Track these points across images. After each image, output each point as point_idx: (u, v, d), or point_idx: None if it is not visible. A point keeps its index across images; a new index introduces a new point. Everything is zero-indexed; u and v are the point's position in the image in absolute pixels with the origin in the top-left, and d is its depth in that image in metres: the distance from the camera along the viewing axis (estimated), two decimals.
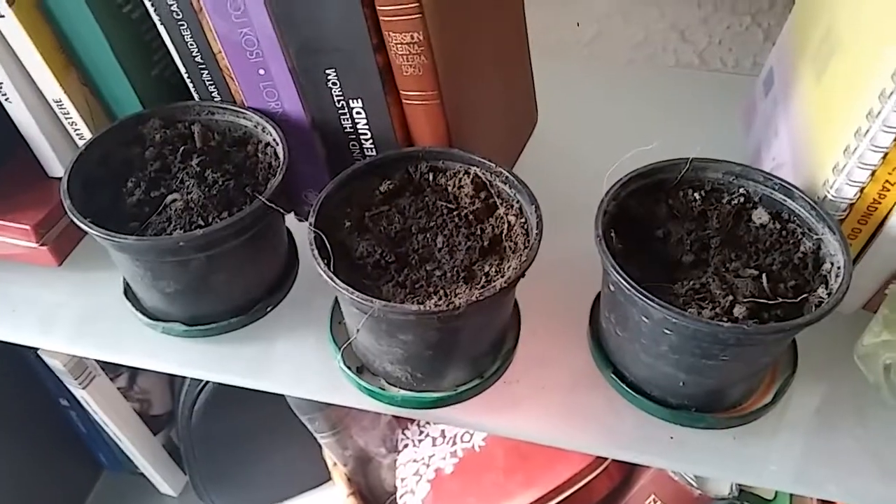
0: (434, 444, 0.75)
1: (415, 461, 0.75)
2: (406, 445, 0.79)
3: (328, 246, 0.41)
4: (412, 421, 0.80)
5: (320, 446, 0.80)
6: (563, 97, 0.69)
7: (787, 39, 0.61)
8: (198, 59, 0.49)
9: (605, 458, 0.66)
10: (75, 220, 0.43)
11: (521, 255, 0.42)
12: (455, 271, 0.42)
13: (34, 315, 0.52)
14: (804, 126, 0.50)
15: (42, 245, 0.52)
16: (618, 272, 0.39)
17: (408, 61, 0.46)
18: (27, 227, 0.51)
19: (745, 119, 0.66)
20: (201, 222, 0.45)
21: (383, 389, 0.46)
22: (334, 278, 0.39)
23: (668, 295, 0.40)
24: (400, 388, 0.46)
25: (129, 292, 0.51)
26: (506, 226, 0.44)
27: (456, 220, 0.45)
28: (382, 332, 0.42)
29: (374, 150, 0.51)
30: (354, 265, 0.42)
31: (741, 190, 0.45)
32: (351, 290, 0.38)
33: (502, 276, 0.41)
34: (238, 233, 0.44)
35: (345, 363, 0.47)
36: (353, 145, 0.52)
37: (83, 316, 0.52)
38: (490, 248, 0.43)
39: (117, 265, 0.48)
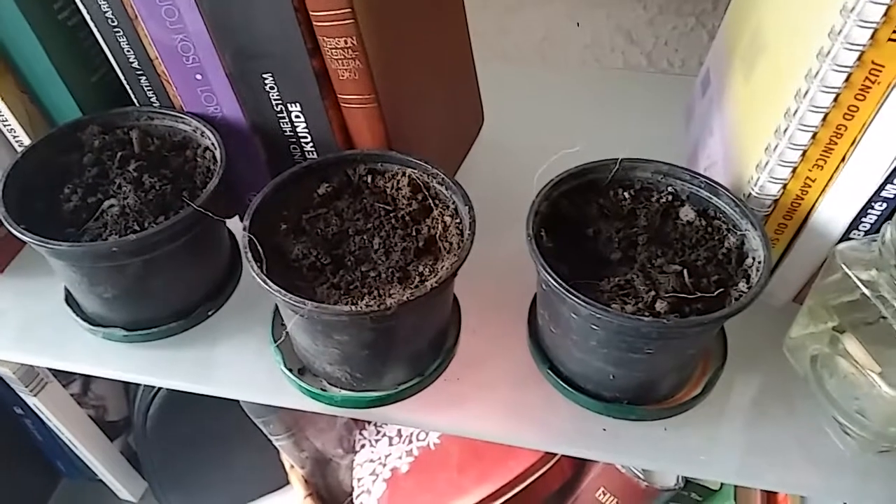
0: (391, 444, 0.76)
1: (371, 461, 0.76)
2: (363, 446, 0.79)
3: (261, 249, 0.41)
4: (369, 421, 0.80)
5: (278, 449, 0.80)
6: (511, 99, 0.70)
7: (720, 40, 0.62)
8: (135, 65, 0.50)
9: (556, 453, 0.67)
10: (9, 227, 0.42)
11: (454, 254, 0.43)
12: (390, 272, 0.43)
13: None
14: (733, 125, 0.52)
15: None
16: (547, 271, 0.40)
17: (343, 65, 0.46)
18: None
19: (686, 119, 0.68)
20: (136, 227, 0.45)
21: (324, 390, 0.46)
22: (266, 280, 0.39)
23: (595, 292, 0.41)
24: (341, 388, 0.46)
25: (69, 299, 0.51)
26: (441, 226, 0.45)
27: (393, 221, 0.46)
28: (318, 334, 0.42)
29: (314, 153, 0.52)
30: (290, 268, 0.43)
31: (669, 189, 0.47)
32: (283, 291, 0.39)
33: (435, 276, 0.42)
34: (173, 237, 0.44)
35: (285, 365, 0.47)
36: (294, 149, 0.52)
37: (25, 323, 0.52)
38: (425, 248, 0.44)
39: (56, 272, 0.48)
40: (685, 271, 0.41)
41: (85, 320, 0.50)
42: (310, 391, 0.46)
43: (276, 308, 0.50)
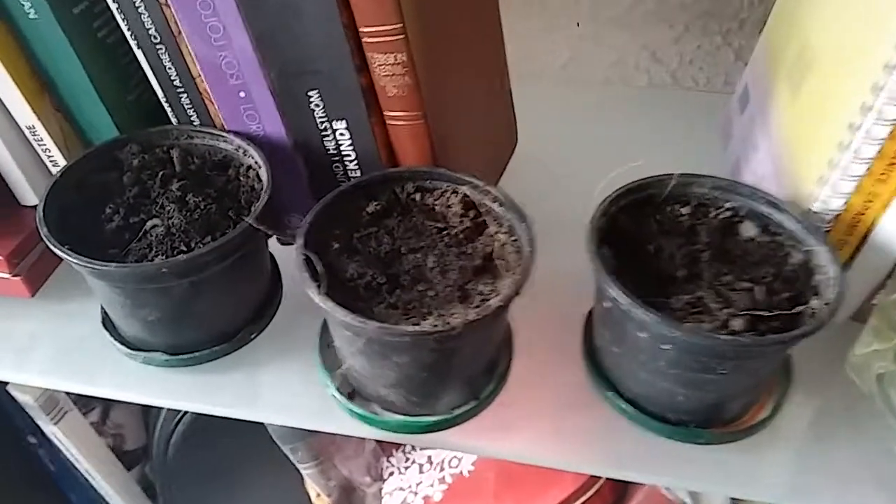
0: (421, 471, 0.74)
1: (402, 489, 0.74)
2: (391, 473, 0.77)
3: (318, 268, 0.40)
4: (397, 447, 0.78)
5: (302, 477, 0.78)
6: (540, 119, 0.69)
7: (760, 59, 0.62)
8: (176, 82, 0.48)
9: (598, 479, 0.66)
10: (53, 247, 0.41)
11: (514, 272, 0.41)
12: (448, 291, 0.41)
13: (7, 348, 0.50)
14: (782, 141, 0.51)
15: (15, 276, 0.50)
16: (616, 287, 0.38)
17: (392, 82, 0.45)
18: (0, 257, 0.49)
19: (722, 135, 0.67)
20: (183, 248, 0.43)
21: (376, 414, 0.45)
22: (327, 301, 0.38)
23: (665, 309, 0.39)
24: (394, 412, 0.44)
25: (107, 322, 0.49)
26: (496, 244, 0.44)
27: (446, 239, 0.44)
28: (376, 355, 0.41)
29: (358, 171, 0.51)
30: (345, 288, 0.41)
31: (728, 204, 0.46)
32: (345, 311, 0.37)
33: (497, 295, 0.40)
34: (222, 257, 0.43)
35: (336, 389, 0.45)
36: (337, 167, 0.51)
37: (59, 348, 0.50)
38: (482, 267, 0.43)
39: (96, 294, 0.47)
40: (757, 289, 0.39)
41: (123, 344, 0.48)
42: (362, 416, 0.44)
43: (322, 330, 0.48)
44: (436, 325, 0.37)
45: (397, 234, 0.45)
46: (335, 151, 0.50)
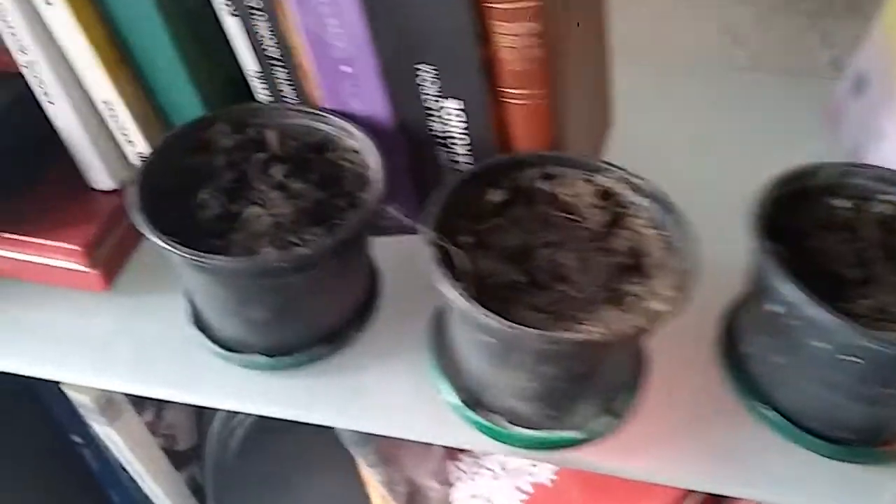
0: (495, 478, 0.69)
1: (474, 496, 0.69)
2: (459, 479, 0.73)
3: (459, 263, 0.35)
4: (464, 451, 0.74)
5: (362, 482, 0.74)
6: (625, 100, 0.64)
7: (881, 42, 0.57)
8: (271, 53, 0.44)
9: (691, 492, 0.61)
10: (155, 239, 0.36)
11: (674, 270, 0.37)
12: (594, 292, 0.37)
13: (86, 349, 0.45)
14: None
15: (92, 267, 0.46)
16: (795, 288, 0.34)
17: (518, 56, 0.41)
18: (77, 247, 0.45)
19: (829, 121, 0.62)
20: (294, 239, 0.39)
21: (503, 427, 0.40)
22: (472, 302, 0.33)
23: (847, 315, 0.35)
24: (523, 425, 0.40)
25: (197, 319, 0.44)
26: (640, 238, 0.39)
27: (582, 232, 0.40)
28: (516, 364, 0.36)
29: (467, 156, 0.46)
30: (481, 287, 0.37)
31: (892, 197, 0.41)
32: (494, 317, 0.33)
33: (656, 297, 0.36)
34: (341, 249, 0.38)
35: (457, 397, 0.41)
36: (440, 151, 0.46)
37: (143, 348, 0.45)
38: (628, 264, 0.38)
39: (189, 289, 0.42)
40: None
41: (218, 344, 0.43)
42: (489, 429, 0.40)
43: (434, 331, 0.44)
44: (601, 333, 0.33)
45: (526, 227, 0.40)
46: (441, 134, 0.45)
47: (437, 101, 0.44)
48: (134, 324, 0.46)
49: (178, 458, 0.81)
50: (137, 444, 0.72)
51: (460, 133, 0.45)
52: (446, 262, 0.36)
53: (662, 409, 0.42)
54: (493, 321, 0.33)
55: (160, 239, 0.36)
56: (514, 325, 0.33)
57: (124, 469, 0.80)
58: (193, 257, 0.35)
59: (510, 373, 0.37)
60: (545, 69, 0.41)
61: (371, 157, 0.43)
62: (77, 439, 0.79)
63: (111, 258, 0.47)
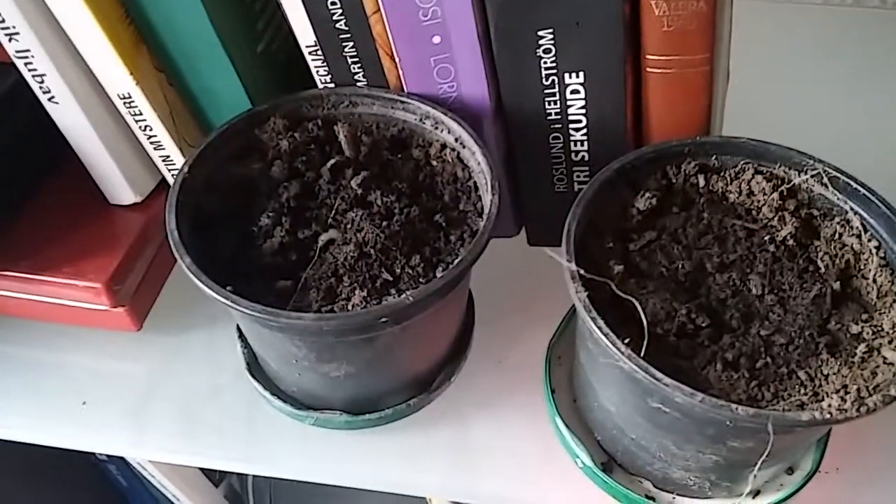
0: None
1: None
2: None
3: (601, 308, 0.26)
4: None
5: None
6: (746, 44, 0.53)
7: None
8: (341, 24, 0.33)
9: None
10: (214, 294, 0.27)
11: None
12: (805, 335, 0.27)
13: (118, 406, 0.36)
14: None
15: (118, 306, 0.36)
16: None
17: (675, 11, 0.30)
18: (96, 284, 0.35)
19: None
20: (387, 274, 0.29)
21: (651, 498, 0.31)
22: (647, 368, 0.24)
23: None
24: (681, 494, 0.31)
25: (254, 368, 0.35)
26: (847, 254, 0.30)
27: (765, 246, 0.30)
28: (698, 439, 0.27)
29: (585, 143, 0.36)
30: (652, 335, 0.27)
31: None
32: (688, 390, 0.24)
33: (889, 340, 0.26)
34: (449, 286, 0.28)
35: (594, 460, 0.32)
36: (556, 139, 0.36)
37: (188, 404, 0.36)
38: (840, 292, 0.29)
39: (249, 336, 0.33)
40: None
41: (283, 399, 0.34)
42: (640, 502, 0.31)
43: (548, 374, 0.35)
44: (841, 408, 0.24)
45: (689, 242, 0.31)
46: (558, 116, 0.35)
47: (556, 76, 0.33)
48: (174, 372, 0.37)
49: (216, 472, 0.74)
50: (172, 466, 0.65)
51: (580, 114, 0.35)
52: (598, 302, 0.26)
53: (852, 462, 0.33)
54: (683, 395, 0.23)
55: (217, 293, 0.26)
56: (717, 402, 0.23)
57: (154, 486, 0.73)
58: (264, 315, 0.26)
59: (683, 444, 0.28)
60: (711, 27, 0.31)
61: (473, 153, 0.33)
62: (102, 456, 0.72)
63: (140, 292, 0.37)
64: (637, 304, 0.26)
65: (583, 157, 0.37)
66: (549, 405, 0.34)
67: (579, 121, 0.35)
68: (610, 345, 0.25)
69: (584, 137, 0.36)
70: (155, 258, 0.38)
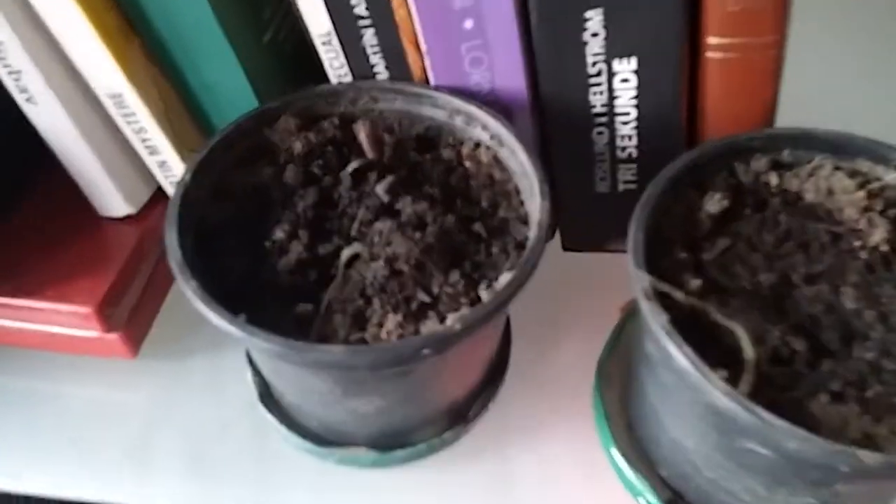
0: None
1: None
2: None
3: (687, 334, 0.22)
4: None
5: None
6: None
7: None
8: (360, 9, 0.29)
9: None
10: (230, 326, 0.22)
11: None
12: None
13: (116, 450, 0.32)
14: None
15: (110, 332, 0.32)
16: None
17: None
18: (86, 309, 0.31)
19: None
20: (423, 296, 0.25)
21: None
22: (762, 413, 0.20)
23: None
24: None
25: (268, 401, 0.31)
26: None
27: (856, 253, 0.26)
28: (796, 480, 0.23)
29: (634, 139, 0.32)
30: (745, 365, 0.23)
31: None
32: (806, 434, 0.20)
33: None
34: (500, 308, 0.25)
35: (659, 498, 0.28)
36: (600, 134, 0.32)
37: (195, 440, 0.32)
38: None
39: (263, 366, 0.29)
40: None
41: (302, 435, 0.30)
42: None
43: (600, 401, 0.31)
44: None
45: (767, 250, 0.27)
46: (604, 109, 0.31)
47: (605, 63, 0.29)
48: (177, 404, 0.33)
49: None
50: None
51: (629, 109, 0.31)
52: (680, 326, 0.22)
53: None
54: (798, 440, 0.20)
55: (231, 323, 0.22)
56: (839, 448, 0.20)
57: None
58: (287, 349, 0.22)
59: (775, 486, 0.24)
60: (780, 3, 0.27)
61: (513, 152, 0.29)
62: None
63: (135, 315, 0.33)
64: (741, 331, 0.22)
65: (630, 153, 0.33)
66: (604, 434, 0.30)
67: (628, 113, 0.31)
68: (702, 378, 0.21)
69: (634, 132, 0.32)
70: (151, 276, 0.34)
